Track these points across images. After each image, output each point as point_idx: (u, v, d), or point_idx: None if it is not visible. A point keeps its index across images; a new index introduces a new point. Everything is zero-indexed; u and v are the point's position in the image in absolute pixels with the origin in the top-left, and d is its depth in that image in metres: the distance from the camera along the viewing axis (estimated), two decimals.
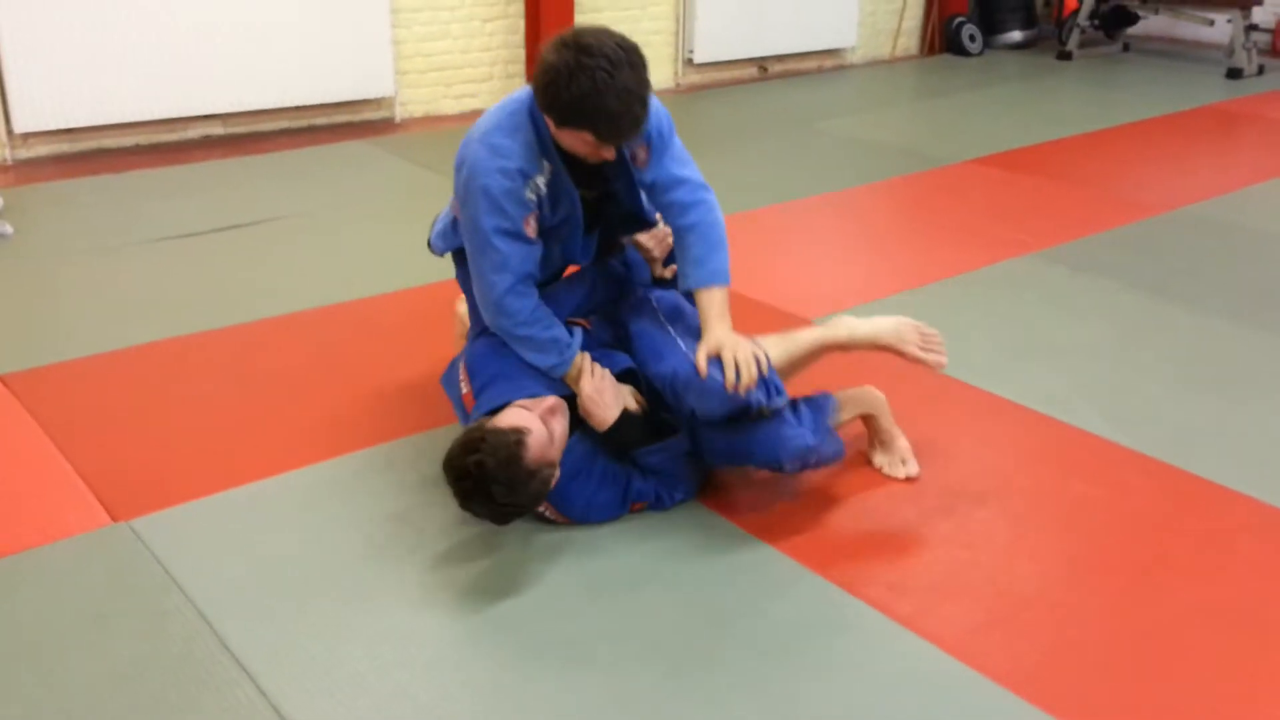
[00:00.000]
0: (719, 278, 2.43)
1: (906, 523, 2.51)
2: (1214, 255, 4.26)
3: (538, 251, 2.42)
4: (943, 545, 2.43)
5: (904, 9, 8.21)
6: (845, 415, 2.62)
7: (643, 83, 2.23)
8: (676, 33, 7.07)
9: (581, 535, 2.42)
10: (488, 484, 2.15)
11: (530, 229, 2.36)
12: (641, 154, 2.43)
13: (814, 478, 2.62)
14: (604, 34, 2.24)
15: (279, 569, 2.29)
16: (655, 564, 2.34)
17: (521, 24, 6.48)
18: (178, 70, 5.40)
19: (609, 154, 2.30)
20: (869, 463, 2.71)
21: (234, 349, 3.32)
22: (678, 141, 2.48)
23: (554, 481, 2.27)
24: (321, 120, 6.02)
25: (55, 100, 5.12)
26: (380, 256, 4.14)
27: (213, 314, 3.53)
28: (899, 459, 2.69)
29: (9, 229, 4.23)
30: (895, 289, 3.83)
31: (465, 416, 2.50)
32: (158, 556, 2.31)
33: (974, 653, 2.09)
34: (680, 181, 2.43)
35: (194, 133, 5.68)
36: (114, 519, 2.44)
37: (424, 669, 2.03)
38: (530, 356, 2.43)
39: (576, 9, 6.52)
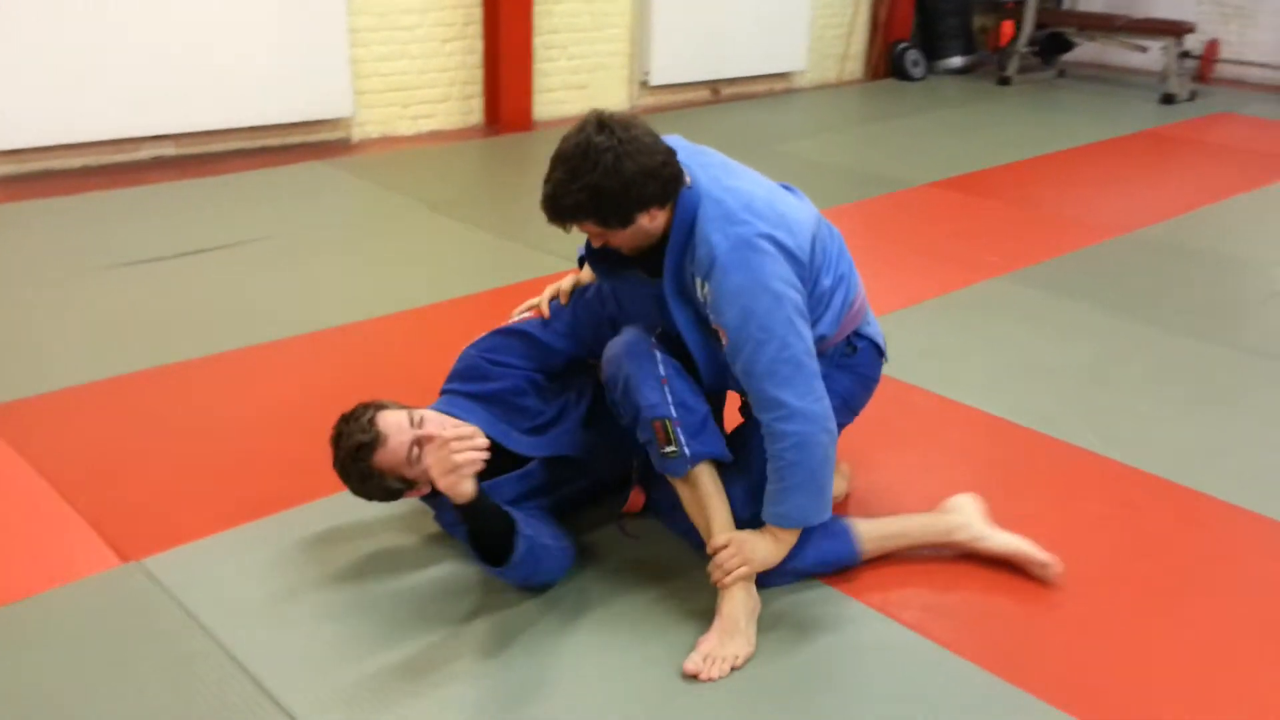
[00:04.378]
0: (782, 521, 2.21)
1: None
2: (1173, 276, 4.39)
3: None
4: (965, 568, 2.44)
5: (850, 34, 8.35)
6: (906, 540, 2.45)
7: (570, 183, 2.07)
8: (632, 55, 7.10)
9: (606, 577, 2.39)
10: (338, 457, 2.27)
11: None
12: (721, 331, 2.19)
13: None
14: (593, 128, 2.10)
15: (305, 604, 2.22)
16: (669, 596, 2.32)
17: (480, 45, 6.44)
18: (128, 89, 5.25)
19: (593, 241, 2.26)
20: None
21: (224, 377, 3.22)
22: (792, 356, 2.12)
23: (409, 495, 2.32)
24: (276, 141, 5.91)
25: (0, 120, 4.95)
26: (360, 280, 4.07)
27: (196, 341, 3.43)
28: (1033, 558, 2.42)
29: None
30: (879, 312, 3.86)
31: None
32: (176, 597, 2.22)
33: (1018, 671, 2.11)
34: (774, 404, 2.13)
35: (145, 153, 5.53)
36: (123, 559, 2.34)
37: (468, 709, 1.98)
38: None
39: (535, 31, 6.50)
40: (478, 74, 6.51)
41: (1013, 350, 3.62)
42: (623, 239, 2.19)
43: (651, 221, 2.16)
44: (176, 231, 4.47)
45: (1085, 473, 2.88)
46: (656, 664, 2.11)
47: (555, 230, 2.18)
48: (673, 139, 2.25)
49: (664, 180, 2.13)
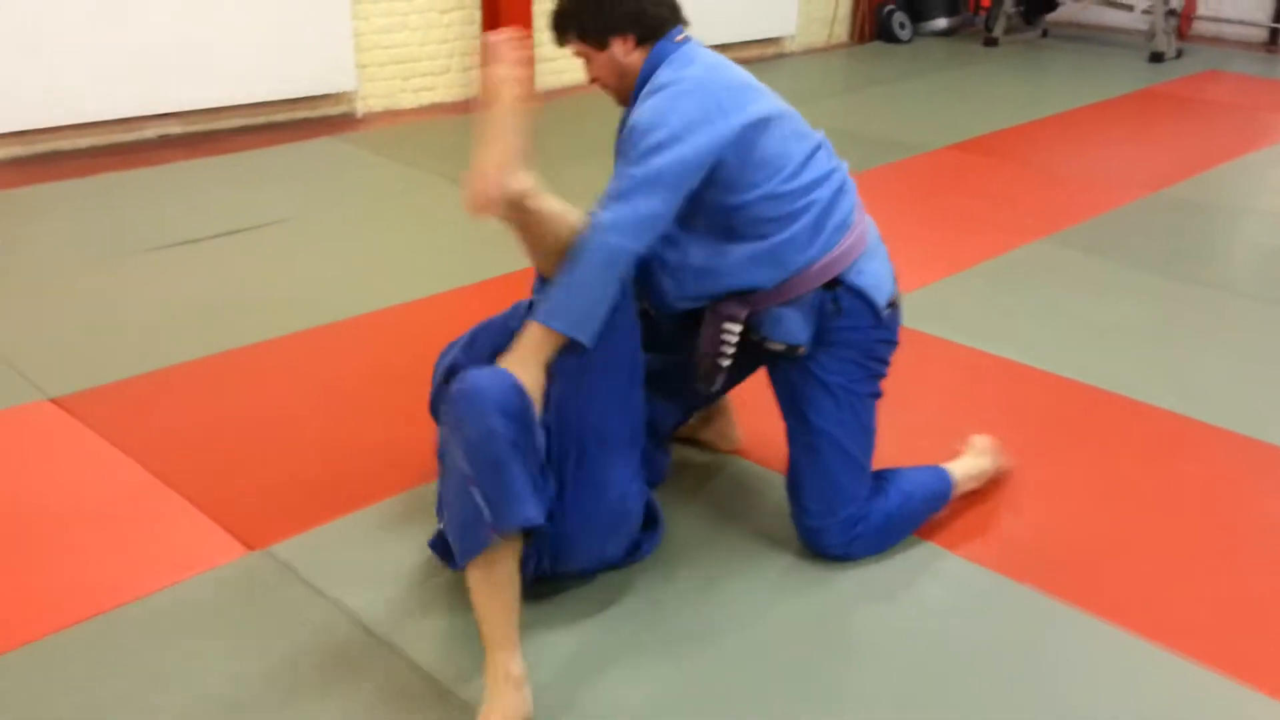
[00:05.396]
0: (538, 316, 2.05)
1: (1021, 492, 2.57)
2: (1208, 235, 4.47)
3: None
4: (1084, 523, 2.50)
5: None
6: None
7: None
8: None
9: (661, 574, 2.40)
10: None
11: None
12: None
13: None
14: None
15: (447, 586, 2.19)
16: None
17: (478, 15, 6.36)
18: (133, 68, 5.12)
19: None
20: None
21: (294, 360, 3.17)
22: (646, 173, 2.07)
23: None
24: (281, 116, 5.80)
25: (5, 101, 4.80)
26: (405, 258, 4.02)
27: (258, 325, 3.36)
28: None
29: None
30: (927, 280, 3.88)
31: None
32: (314, 584, 2.19)
33: (1141, 617, 2.16)
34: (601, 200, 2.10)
35: (151, 132, 5.40)
36: (249, 547, 2.31)
37: (615, 686, 1.99)
38: None
39: None
40: (478, 45, 6.42)
41: (1066, 312, 3.66)
42: (601, 67, 2.26)
43: (626, 54, 2.22)
44: (204, 212, 4.38)
45: (1156, 429, 2.93)
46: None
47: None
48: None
49: (645, 8, 2.19)
